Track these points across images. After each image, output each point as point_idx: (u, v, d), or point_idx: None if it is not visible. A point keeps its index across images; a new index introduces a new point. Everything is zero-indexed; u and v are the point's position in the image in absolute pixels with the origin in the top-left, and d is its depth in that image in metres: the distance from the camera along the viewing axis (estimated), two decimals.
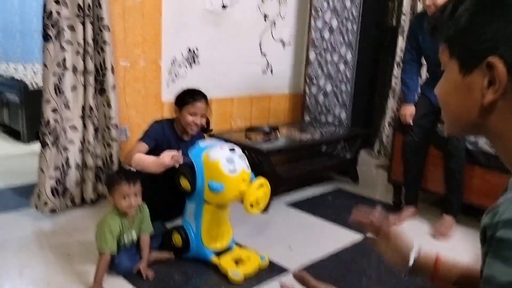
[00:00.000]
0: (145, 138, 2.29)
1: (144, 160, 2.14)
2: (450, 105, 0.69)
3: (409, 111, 2.79)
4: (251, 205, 2.01)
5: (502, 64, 0.59)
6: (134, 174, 2.06)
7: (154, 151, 2.21)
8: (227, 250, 2.18)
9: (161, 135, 2.32)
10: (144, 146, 2.25)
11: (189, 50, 3.31)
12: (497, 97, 0.61)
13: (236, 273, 1.99)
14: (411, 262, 0.96)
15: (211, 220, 2.13)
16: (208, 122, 2.42)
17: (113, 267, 2.00)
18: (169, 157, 2.06)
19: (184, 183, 2.08)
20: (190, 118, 2.30)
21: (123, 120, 2.97)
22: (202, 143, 2.17)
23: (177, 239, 2.14)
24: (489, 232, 0.55)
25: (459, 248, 2.44)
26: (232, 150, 2.09)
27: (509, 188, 0.64)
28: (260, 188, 2.04)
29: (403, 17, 3.89)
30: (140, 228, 2.08)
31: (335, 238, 2.51)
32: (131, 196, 1.97)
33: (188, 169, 2.06)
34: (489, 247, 0.55)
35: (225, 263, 2.06)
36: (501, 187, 2.51)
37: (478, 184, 2.66)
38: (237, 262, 2.09)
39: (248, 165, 2.11)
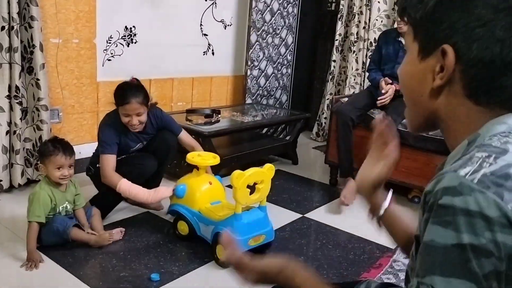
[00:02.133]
0: (107, 148, 2.20)
1: (136, 194, 2.20)
2: (407, 87, 0.74)
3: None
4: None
5: (453, 53, 0.64)
6: (70, 146, 2.06)
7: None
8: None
9: (116, 135, 2.25)
10: (113, 159, 2.20)
11: (126, 28, 3.19)
12: (443, 82, 0.66)
13: None
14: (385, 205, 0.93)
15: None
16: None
17: (46, 236, 1.97)
18: (169, 193, 2.21)
19: (182, 226, 2.18)
20: (125, 119, 2.23)
21: (55, 101, 2.82)
22: None
23: (220, 251, 2.01)
24: (430, 199, 0.59)
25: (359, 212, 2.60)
26: None
27: (446, 163, 0.69)
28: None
29: (342, 2, 3.98)
30: (74, 203, 2.10)
31: (274, 218, 2.56)
32: (65, 168, 2.00)
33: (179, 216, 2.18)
34: (429, 213, 0.58)
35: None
36: (427, 166, 2.69)
37: (406, 163, 2.82)
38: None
39: None
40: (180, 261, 2.03)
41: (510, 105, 0.65)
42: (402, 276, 1.95)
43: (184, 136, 2.51)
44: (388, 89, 2.90)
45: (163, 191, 2.23)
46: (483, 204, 0.54)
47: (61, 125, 2.90)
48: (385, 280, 1.85)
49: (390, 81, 2.94)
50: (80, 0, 2.84)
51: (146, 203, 2.35)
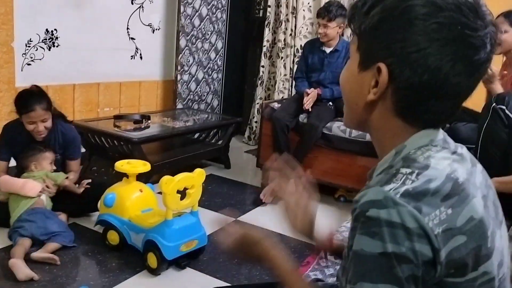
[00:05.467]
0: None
1: (12, 186, 2.18)
2: (345, 93, 0.78)
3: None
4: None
5: (387, 72, 0.68)
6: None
7: (15, 157, 2.34)
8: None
9: (14, 142, 2.31)
10: (3, 164, 2.32)
11: (47, 31, 3.04)
12: (377, 98, 0.71)
13: None
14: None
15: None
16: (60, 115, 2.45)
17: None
18: (36, 191, 2.16)
19: (112, 235, 2.12)
20: (30, 127, 2.24)
21: None
22: None
23: (152, 260, 1.97)
24: (356, 209, 0.64)
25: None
26: None
27: (376, 170, 0.75)
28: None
29: (268, 9, 4.10)
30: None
31: (208, 223, 2.57)
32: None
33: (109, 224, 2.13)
34: (356, 222, 0.64)
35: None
36: (350, 167, 2.85)
37: (331, 165, 2.97)
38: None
39: None
40: (111, 272, 1.98)
41: (433, 125, 0.72)
42: (327, 272, 2.06)
43: (74, 165, 2.49)
44: (310, 92, 3.05)
45: (32, 186, 2.17)
46: (404, 216, 0.61)
47: None
48: (312, 277, 1.94)
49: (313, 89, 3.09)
50: None
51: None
